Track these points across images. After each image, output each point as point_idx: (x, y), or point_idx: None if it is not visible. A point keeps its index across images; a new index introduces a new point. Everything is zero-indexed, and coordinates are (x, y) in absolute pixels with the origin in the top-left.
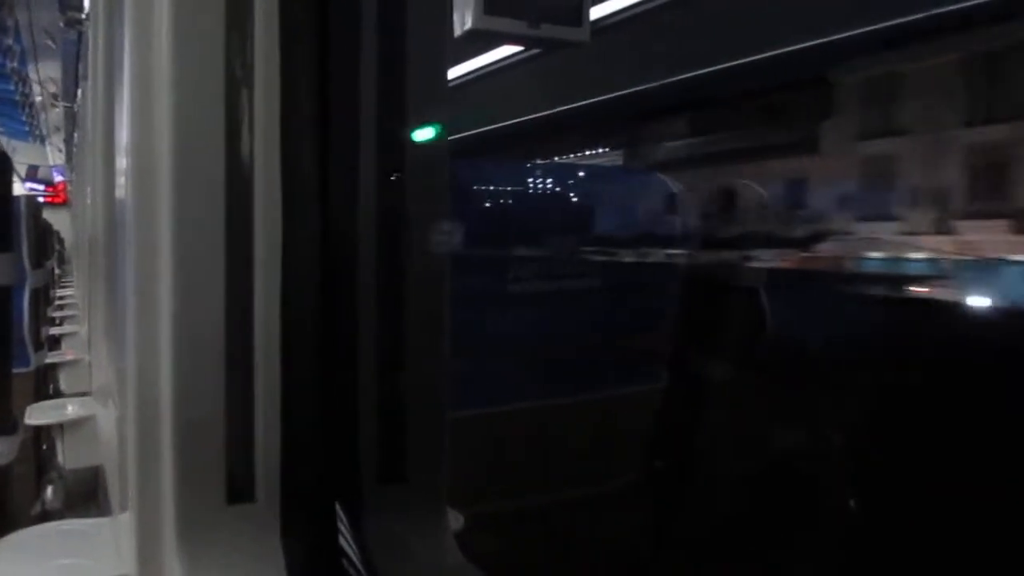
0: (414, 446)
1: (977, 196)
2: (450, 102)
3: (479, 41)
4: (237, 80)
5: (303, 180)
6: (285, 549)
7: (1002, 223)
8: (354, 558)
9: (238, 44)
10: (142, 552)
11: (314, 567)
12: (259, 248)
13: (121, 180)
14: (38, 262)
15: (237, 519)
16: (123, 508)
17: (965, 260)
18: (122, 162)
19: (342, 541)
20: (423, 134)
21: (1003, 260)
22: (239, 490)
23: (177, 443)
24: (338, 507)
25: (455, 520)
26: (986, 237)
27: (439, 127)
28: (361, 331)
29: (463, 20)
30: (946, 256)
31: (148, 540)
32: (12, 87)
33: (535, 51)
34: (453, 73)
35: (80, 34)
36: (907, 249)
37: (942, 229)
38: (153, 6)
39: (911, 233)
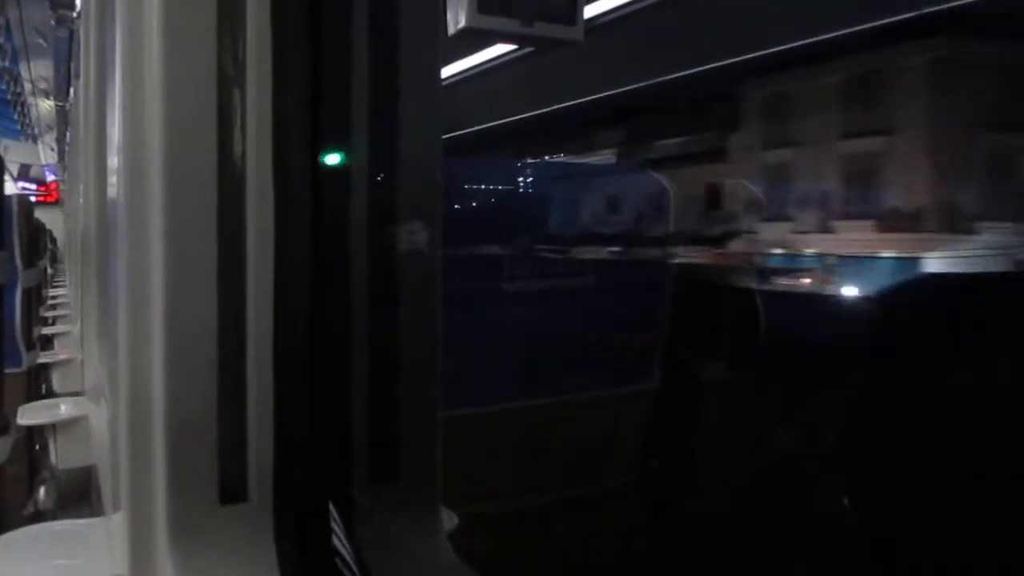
0: (406, 445)
1: (850, 201)
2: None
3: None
4: (229, 79)
5: (295, 179)
6: (278, 549)
7: (868, 223)
8: (347, 558)
9: (230, 42)
10: (135, 552)
11: (307, 567)
12: (251, 247)
13: (113, 179)
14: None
15: (230, 519)
16: (116, 508)
17: (842, 255)
18: (114, 161)
19: (335, 541)
20: (414, 133)
21: (870, 255)
22: (232, 490)
23: (169, 443)
24: (331, 507)
25: (448, 519)
26: (858, 236)
27: (431, 126)
28: (353, 331)
29: (456, 18)
30: (827, 252)
31: (141, 540)
32: (4, 86)
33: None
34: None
35: (72, 32)
36: (798, 246)
37: (825, 228)
38: (144, 4)
39: (801, 232)
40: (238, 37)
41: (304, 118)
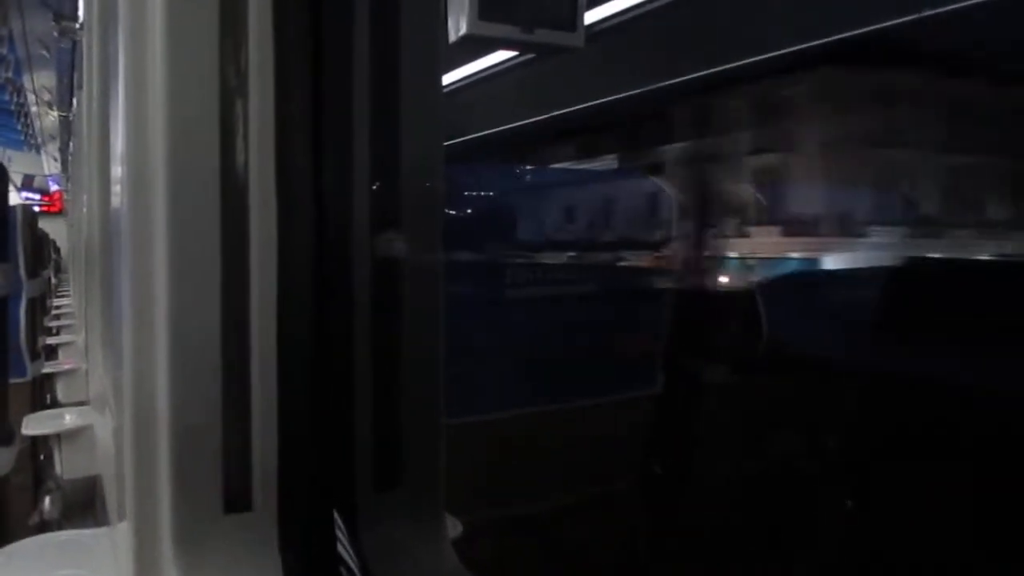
0: (411, 452)
1: (761, 208)
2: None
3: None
4: (231, 88)
5: (298, 188)
6: (283, 558)
7: (776, 228)
8: (352, 566)
9: (232, 52)
10: (140, 562)
11: (312, 575)
12: (254, 256)
13: (116, 189)
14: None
15: (234, 528)
16: (120, 518)
17: (756, 257)
18: (117, 171)
19: (340, 549)
20: (415, 140)
21: (780, 257)
22: (236, 499)
23: (174, 452)
24: (336, 515)
25: (453, 526)
26: (768, 239)
27: (432, 133)
28: (356, 338)
29: (458, 26)
30: (743, 255)
31: (145, 550)
32: (7, 97)
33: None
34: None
35: (74, 43)
36: (721, 248)
37: (742, 233)
38: (147, 15)
39: (724, 236)
40: (240, 46)
41: (306, 126)
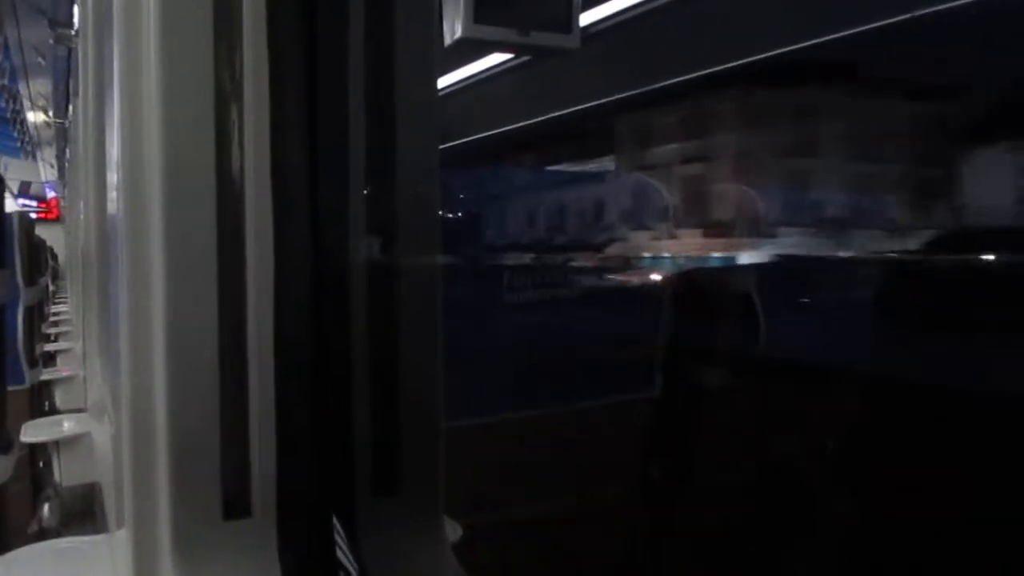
0: (409, 457)
1: (687, 213)
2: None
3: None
4: (226, 94)
5: (294, 193)
6: (282, 563)
7: (699, 231)
8: (352, 571)
9: (226, 58)
10: (139, 570)
11: None
12: (251, 262)
13: (113, 195)
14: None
15: (234, 535)
16: (119, 525)
17: (683, 256)
18: (113, 177)
19: (340, 554)
20: (411, 144)
21: (704, 255)
22: (235, 505)
23: (172, 459)
24: (335, 520)
25: (452, 531)
26: (691, 241)
27: (427, 137)
28: (354, 344)
29: (453, 29)
30: (672, 254)
31: (144, 557)
32: (3, 104)
33: None
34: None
35: (70, 50)
36: (653, 249)
37: (672, 235)
38: (141, 22)
39: (657, 238)
40: (235, 52)
41: (302, 130)
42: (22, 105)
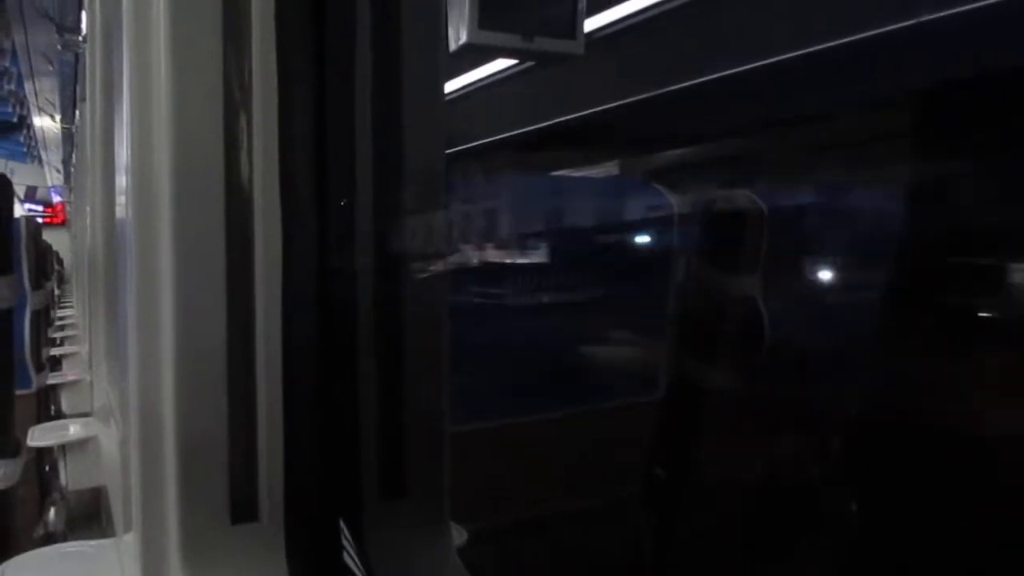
0: (416, 461)
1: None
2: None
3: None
4: (235, 98)
5: (302, 197)
6: (290, 568)
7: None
8: (359, 575)
9: (235, 62)
10: (146, 574)
11: None
12: (259, 267)
13: (121, 199)
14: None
15: (241, 539)
16: (127, 529)
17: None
18: (122, 181)
19: (347, 558)
20: (418, 149)
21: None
22: (243, 510)
23: (180, 463)
24: (342, 524)
25: (458, 535)
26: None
27: (434, 143)
28: (361, 348)
29: (458, 35)
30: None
31: (152, 562)
32: (10, 109)
33: None
34: None
35: (77, 56)
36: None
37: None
38: (151, 27)
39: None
40: (244, 59)
41: (310, 137)
42: (28, 110)
